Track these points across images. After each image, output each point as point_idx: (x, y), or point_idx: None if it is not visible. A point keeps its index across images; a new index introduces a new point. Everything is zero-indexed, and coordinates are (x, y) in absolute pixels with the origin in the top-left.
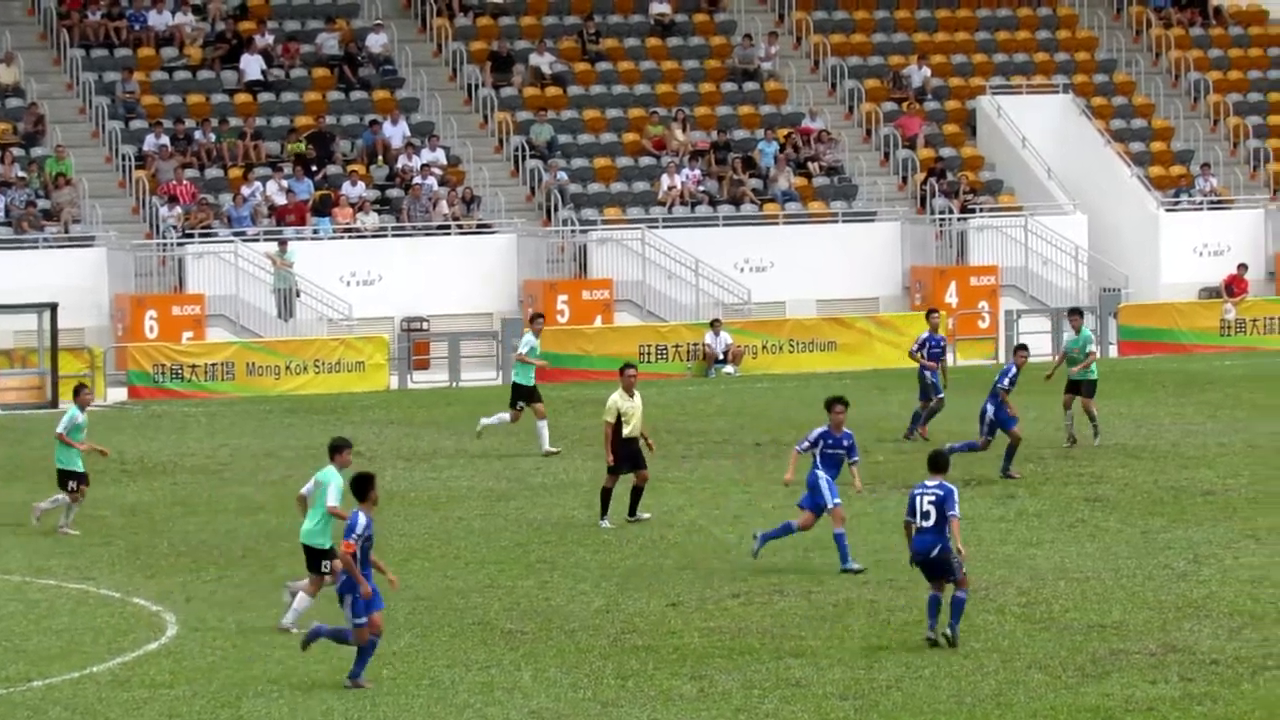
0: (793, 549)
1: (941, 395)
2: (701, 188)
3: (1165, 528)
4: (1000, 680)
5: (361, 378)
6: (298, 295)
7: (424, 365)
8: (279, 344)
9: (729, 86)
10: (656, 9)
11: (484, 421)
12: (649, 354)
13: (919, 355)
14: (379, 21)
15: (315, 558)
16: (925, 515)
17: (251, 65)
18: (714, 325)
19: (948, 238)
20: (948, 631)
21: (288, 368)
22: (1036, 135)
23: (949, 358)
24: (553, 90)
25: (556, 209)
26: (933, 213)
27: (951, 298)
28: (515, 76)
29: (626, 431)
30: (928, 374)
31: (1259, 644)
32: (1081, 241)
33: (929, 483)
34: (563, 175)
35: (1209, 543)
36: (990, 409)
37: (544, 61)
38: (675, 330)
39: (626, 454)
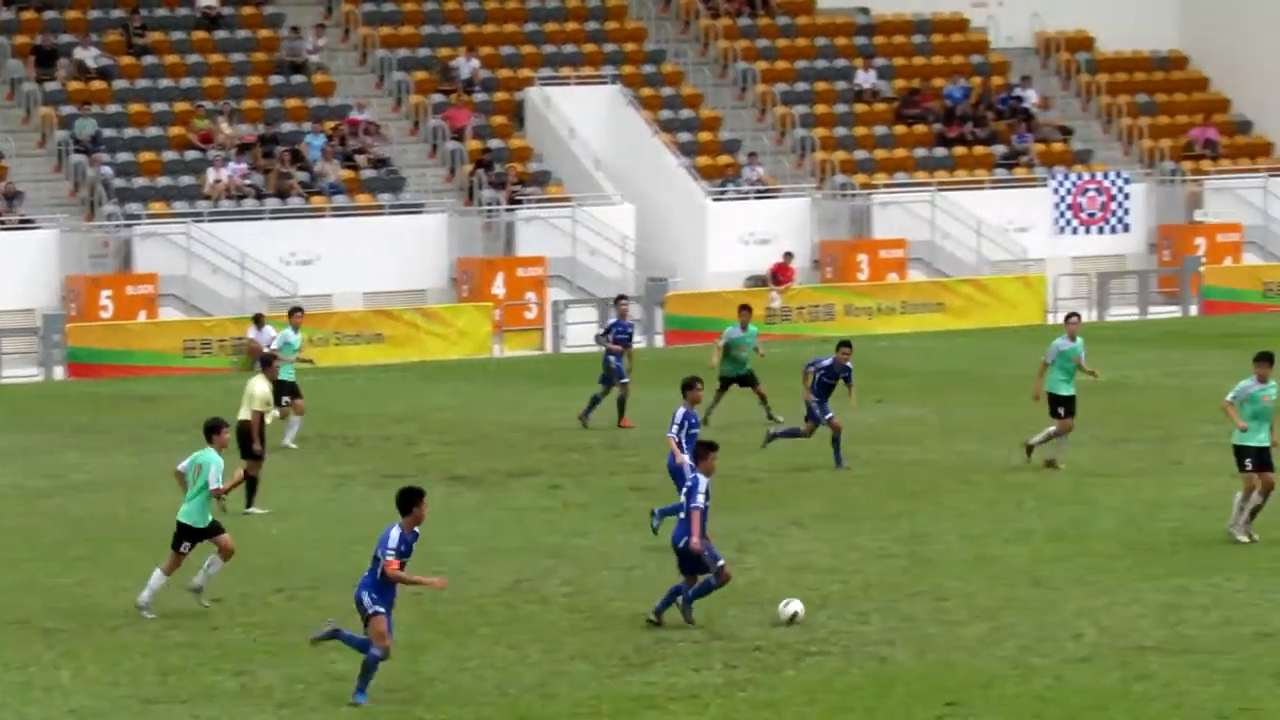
0: (338, 541)
1: (626, 380)
2: (248, 181)
3: (711, 516)
4: (544, 670)
5: None
6: None
7: None
8: None
9: (276, 79)
10: (203, 2)
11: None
12: (194, 349)
13: (606, 340)
14: None
15: (185, 536)
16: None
17: None
18: (257, 320)
19: (495, 229)
20: (653, 617)
21: None
22: (585, 126)
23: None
24: (97, 84)
25: (100, 204)
26: (480, 204)
27: (499, 289)
28: (59, 70)
29: (268, 421)
30: (612, 359)
31: (801, 630)
32: (629, 231)
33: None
34: (107, 170)
35: (754, 530)
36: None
37: (89, 55)
38: (221, 324)
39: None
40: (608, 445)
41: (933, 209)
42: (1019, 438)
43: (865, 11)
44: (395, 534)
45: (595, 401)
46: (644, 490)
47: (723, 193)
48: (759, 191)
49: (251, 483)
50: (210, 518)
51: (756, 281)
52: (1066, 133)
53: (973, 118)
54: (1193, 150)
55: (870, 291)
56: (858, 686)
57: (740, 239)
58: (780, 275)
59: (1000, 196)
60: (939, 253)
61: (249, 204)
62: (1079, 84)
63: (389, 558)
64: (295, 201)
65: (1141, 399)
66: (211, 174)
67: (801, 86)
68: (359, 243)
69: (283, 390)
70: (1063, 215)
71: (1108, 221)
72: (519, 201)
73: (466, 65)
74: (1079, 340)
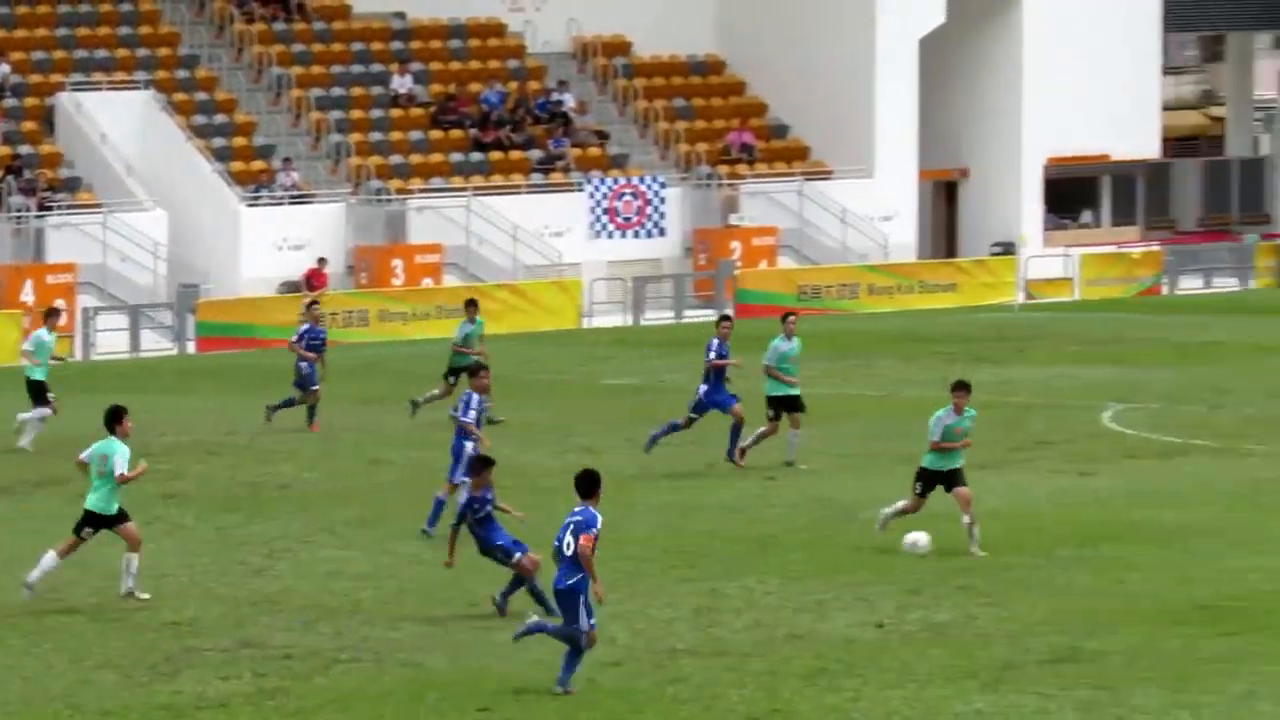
0: None
1: (316, 388)
2: None
3: (242, 523)
4: (70, 680)
5: None
6: None
7: None
8: None
9: None
10: None
11: (24, 417)
12: None
13: (298, 346)
14: None
15: (90, 522)
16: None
17: None
18: None
19: (25, 235)
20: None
21: None
22: (117, 132)
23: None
24: None
25: None
26: (10, 211)
27: (29, 296)
28: None
29: None
30: (304, 365)
31: (332, 637)
32: (161, 238)
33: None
34: None
35: (285, 537)
36: (702, 389)
37: None
38: None
39: None
40: (136, 453)
41: (468, 214)
42: (556, 442)
43: (401, 16)
44: (599, 516)
45: (289, 403)
46: (175, 497)
47: (257, 198)
48: (293, 197)
49: None
50: (117, 506)
51: (290, 287)
52: (603, 137)
53: (509, 122)
54: (729, 154)
55: (405, 297)
56: (390, 693)
57: (274, 245)
58: (314, 281)
59: (536, 201)
60: (474, 258)
61: None
62: (616, 88)
63: (590, 533)
64: None
65: (676, 402)
66: None
67: (337, 91)
68: None
69: (41, 389)
70: (599, 220)
71: (644, 226)
72: (49, 208)
73: None
74: (796, 340)
